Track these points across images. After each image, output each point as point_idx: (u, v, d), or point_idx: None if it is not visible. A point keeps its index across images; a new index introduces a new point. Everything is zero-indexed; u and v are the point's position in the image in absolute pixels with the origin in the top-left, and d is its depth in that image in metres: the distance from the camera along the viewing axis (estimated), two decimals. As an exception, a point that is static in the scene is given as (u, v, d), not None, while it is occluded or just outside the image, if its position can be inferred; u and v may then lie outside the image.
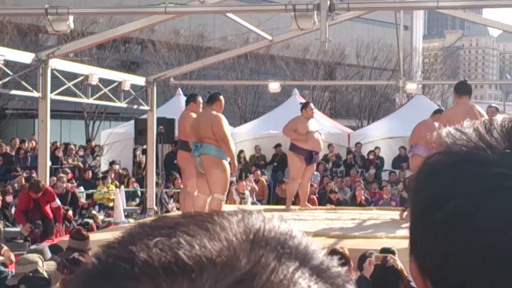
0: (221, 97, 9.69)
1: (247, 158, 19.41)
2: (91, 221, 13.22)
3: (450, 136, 0.72)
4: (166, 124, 14.14)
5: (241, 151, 18.83)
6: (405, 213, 9.97)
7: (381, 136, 20.41)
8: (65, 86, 12.26)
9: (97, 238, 7.94)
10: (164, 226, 0.54)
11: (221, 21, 32.16)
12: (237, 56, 27.08)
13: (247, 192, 15.04)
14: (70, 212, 13.06)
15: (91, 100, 13.49)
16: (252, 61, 36.85)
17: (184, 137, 10.16)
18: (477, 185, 0.67)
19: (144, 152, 16.68)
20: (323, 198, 14.96)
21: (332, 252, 5.43)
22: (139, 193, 16.26)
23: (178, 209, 13.35)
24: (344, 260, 5.87)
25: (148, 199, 13.85)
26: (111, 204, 15.01)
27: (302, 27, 9.10)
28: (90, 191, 16.24)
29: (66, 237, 8.80)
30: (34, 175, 14.23)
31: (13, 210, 12.29)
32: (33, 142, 19.90)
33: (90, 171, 18.16)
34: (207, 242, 0.52)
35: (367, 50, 41.94)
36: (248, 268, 0.51)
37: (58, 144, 21.18)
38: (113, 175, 17.08)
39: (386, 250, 6.03)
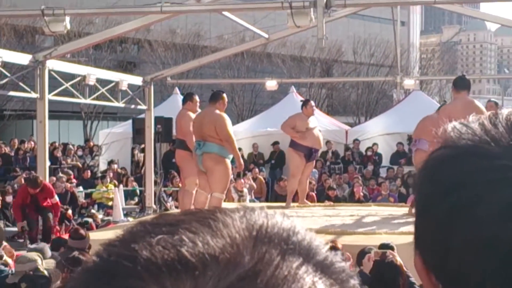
0: (224, 95, 9.66)
1: (245, 156, 19.43)
2: (90, 220, 13.23)
3: (455, 130, 0.72)
4: (163, 123, 14.16)
5: (239, 149, 18.83)
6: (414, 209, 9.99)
7: (379, 132, 20.42)
8: (63, 87, 12.28)
9: (96, 237, 7.96)
10: (166, 223, 0.54)
11: (217, 19, 32.14)
12: (233, 54, 27.07)
13: (245, 190, 15.05)
14: (70, 212, 13.09)
15: (88, 100, 13.50)
16: (249, 59, 36.83)
17: (181, 136, 10.15)
18: (480, 177, 0.67)
19: (142, 151, 16.69)
20: (321, 195, 14.97)
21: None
22: (138, 192, 16.28)
23: (176, 207, 13.37)
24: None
25: (147, 198, 13.86)
26: (110, 203, 15.03)
27: (298, 24, 9.10)
28: (89, 190, 16.26)
29: (66, 236, 8.82)
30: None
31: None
32: (32, 143, 19.91)
33: (88, 171, 18.17)
34: (210, 239, 0.51)
35: (364, 46, 41.92)
36: (251, 264, 0.50)
37: (56, 144, 21.18)
38: (111, 175, 17.09)
39: (385, 246, 6.05)
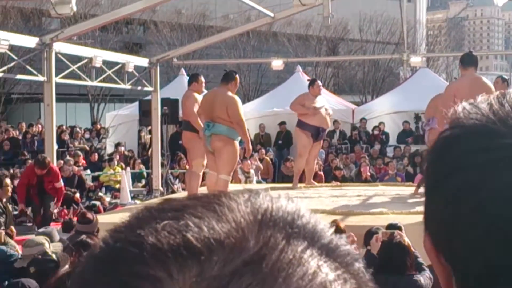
0: (237, 76, 9.53)
1: (252, 137, 19.44)
2: (98, 203, 13.32)
3: (464, 111, 0.73)
4: (170, 104, 14.16)
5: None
6: (420, 188, 9.97)
7: (385, 111, 20.36)
8: (70, 70, 12.29)
9: (104, 220, 8.00)
10: (171, 209, 0.54)
11: (223, -1, 32.01)
12: (239, 34, 26.96)
13: (252, 171, 15.07)
14: (78, 195, 13.15)
15: (95, 83, 13.51)
16: (255, 38, 36.70)
17: (187, 117, 10.11)
18: (485, 157, 0.68)
19: (149, 133, 16.72)
20: (328, 175, 14.96)
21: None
22: (145, 174, 16.32)
23: (184, 189, 13.41)
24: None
25: (154, 180, 13.91)
26: (117, 186, 15.08)
27: (304, 2, 9.07)
28: (97, 173, 16.31)
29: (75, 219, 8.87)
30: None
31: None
32: (39, 126, 19.98)
33: (96, 154, 18.23)
34: (215, 224, 0.51)
35: (370, 24, 41.67)
36: (256, 249, 0.50)
37: (64, 127, 21.25)
38: (118, 157, 17.14)
39: (392, 226, 6.05)
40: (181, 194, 11.77)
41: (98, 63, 12.28)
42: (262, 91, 31.75)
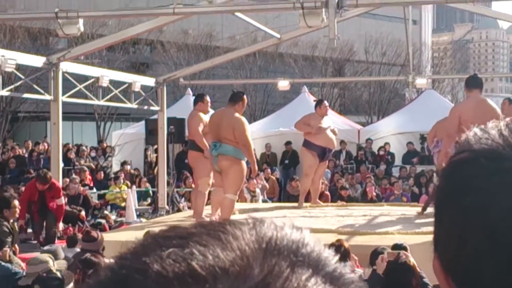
0: (245, 96, 9.56)
1: (258, 156, 19.46)
2: (103, 221, 13.30)
3: (475, 136, 0.75)
4: (176, 124, 14.20)
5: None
6: (427, 209, 9.94)
7: (391, 131, 20.38)
8: (76, 89, 12.35)
9: (110, 238, 8.00)
10: (177, 236, 0.54)
11: (229, 20, 32.11)
12: (245, 54, 27.08)
13: (258, 190, 15.05)
14: (83, 213, 13.15)
15: (102, 102, 13.57)
16: (261, 59, 36.85)
17: (192, 137, 10.14)
18: (493, 179, 0.69)
19: (155, 152, 16.74)
20: (334, 195, 14.94)
21: (331, 246, 5.45)
22: (150, 192, 16.32)
23: (189, 208, 13.40)
24: (343, 253, 5.91)
25: (160, 199, 13.91)
26: (123, 204, 15.07)
27: (310, 24, 9.10)
28: (102, 191, 16.32)
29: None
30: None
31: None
32: (45, 144, 20.03)
33: (102, 172, 18.25)
34: (220, 252, 0.52)
35: (375, 45, 41.81)
36: (261, 277, 0.50)
37: (70, 145, 21.30)
38: (123, 175, 17.15)
39: (398, 247, 6.05)
40: (187, 213, 11.77)
41: (105, 83, 12.34)
42: (268, 111, 31.81)
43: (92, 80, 12.57)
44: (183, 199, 15.29)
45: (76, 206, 13.31)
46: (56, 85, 11.09)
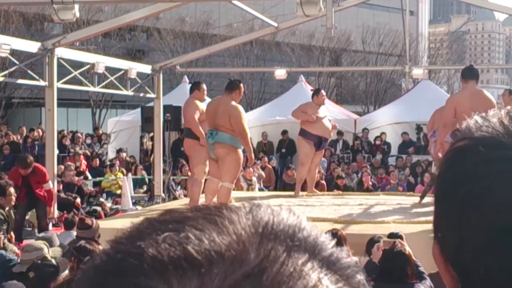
0: (241, 85, 9.52)
1: (255, 145, 19.45)
2: (99, 208, 13.31)
3: (476, 124, 0.75)
4: (172, 111, 14.17)
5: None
6: (425, 198, 9.96)
7: (387, 121, 20.41)
8: (72, 75, 12.29)
9: (105, 225, 7.98)
10: (172, 220, 0.54)
11: (226, 8, 32.11)
12: (242, 43, 27.03)
13: (254, 179, 15.06)
14: (78, 200, 13.14)
15: (97, 89, 13.52)
16: (258, 48, 36.79)
17: (188, 124, 10.11)
18: (492, 167, 0.70)
19: (151, 139, 16.72)
20: (330, 184, 14.97)
21: (327, 232, 5.44)
22: (146, 180, 16.32)
23: (185, 196, 13.40)
24: (339, 239, 5.90)
25: (156, 186, 13.90)
26: (118, 192, 15.07)
27: (308, 13, 9.07)
28: (98, 179, 16.30)
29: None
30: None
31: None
32: (40, 131, 19.98)
33: (97, 159, 18.23)
34: (216, 236, 0.52)
35: (372, 35, 41.82)
36: (257, 261, 0.51)
37: (65, 132, 21.25)
38: (119, 163, 17.13)
39: (394, 235, 6.05)
40: (183, 201, 11.75)
41: (100, 69, 12.28)
42: (265, 100, 31.81)
43: (88, 66, 12.51)
44: (179, 187, 15.28)
45: (72, 192, 13.29)
46: (51, 71, 11.03)
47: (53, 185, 10.73)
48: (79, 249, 5.73)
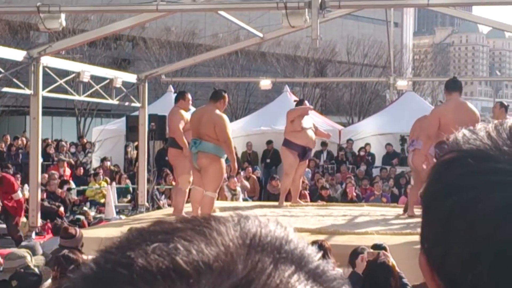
0: (226, 95, 9.55)
1: (239, 155, 19.45)
2: (82, 217, 13.23)
3: (464, 137, 0.76)
4: (157, 120, 14.16)
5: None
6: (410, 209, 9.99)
7: (371, 132, 20.48)
8: (57, 84, 12.24)
9: (88, 235, 7.95)
10: (162, 231, 0.54)
11: (212, 18, 32.14)
12: (228, 53, 27.07)
13: (238, 189, 15.06)
14: (62, 209, 13.07)
15: (82, 97, 13.47)
16: (243, 58, 36.86)
17: (172, 134, 10.12)
18: (478, 179, 0.71)
19: (136, 148, 16.67)
20: (314, 195, 14.98)
21: (313, 244, 5.44)
22: (130, 189, 16.25)
23: (169, 205, 13.36)
24: (325, 253, 5.92)
25: (140, 196, 13.85)
26: (102, 201, 14.99)
27: (293, 24, 9.12)
28: (82, 187, 16.22)
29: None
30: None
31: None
32: (24, 139, 19.87)
33: (81, 168, 18.15)
34: (204, 247, 0.52)
35: (357, 47, 42.01)
36: (245, 273, 0.51)
37: (49, 141, 21.14)
38: (103, 172, 17.06)
39: (377, 247, 6.07)
40: (167, 210, 11.73)
41: (86, 78, 12.25)
42: (250, 110, 31.84)
43: (73, 75, 12.47)
44: (163, 196, 15.25)
45: (55, 201, 13.23)
46: (36, 79, 10.99)
47: (37, 193, 10.69)
48: (63, 258, 5.71)
